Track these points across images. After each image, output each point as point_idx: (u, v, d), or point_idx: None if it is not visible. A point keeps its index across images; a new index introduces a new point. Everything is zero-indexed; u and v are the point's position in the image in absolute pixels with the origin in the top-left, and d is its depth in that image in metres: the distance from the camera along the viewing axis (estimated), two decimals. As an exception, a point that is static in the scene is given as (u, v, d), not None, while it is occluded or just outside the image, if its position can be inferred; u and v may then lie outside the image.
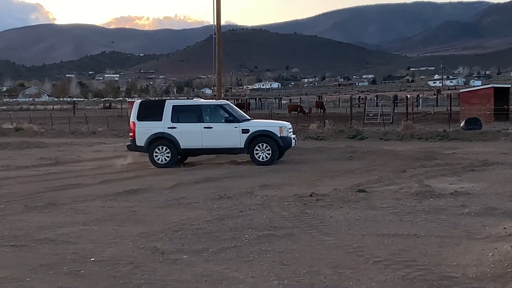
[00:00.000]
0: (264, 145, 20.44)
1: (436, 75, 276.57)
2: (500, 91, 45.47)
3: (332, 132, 31.68)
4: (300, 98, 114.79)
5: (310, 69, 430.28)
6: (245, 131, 20.60)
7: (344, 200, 12.51)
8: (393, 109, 49.10)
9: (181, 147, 20.82)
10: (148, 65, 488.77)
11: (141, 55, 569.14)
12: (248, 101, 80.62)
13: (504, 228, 9.50)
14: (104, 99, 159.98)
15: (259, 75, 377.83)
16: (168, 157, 20.73)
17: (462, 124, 32.61)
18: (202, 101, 23.03)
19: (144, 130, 20.92)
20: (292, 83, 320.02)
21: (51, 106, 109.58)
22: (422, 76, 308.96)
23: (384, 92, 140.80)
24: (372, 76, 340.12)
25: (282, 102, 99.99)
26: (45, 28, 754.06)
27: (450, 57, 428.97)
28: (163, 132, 20.80)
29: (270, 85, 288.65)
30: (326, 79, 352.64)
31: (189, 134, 20.75)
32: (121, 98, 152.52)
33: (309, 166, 19.64)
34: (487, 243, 8.64)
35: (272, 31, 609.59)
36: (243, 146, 20.55)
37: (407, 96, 60.42)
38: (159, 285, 7.23)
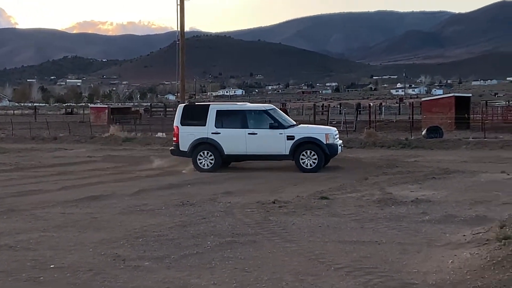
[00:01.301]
0: (310, 152, 19.95)
1: (399, 84, 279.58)
2: (461, 100, 46.08)
3: (296, 139, 31.66)
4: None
5: (274, 76, 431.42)
6: (290, 137, 20.11)
7: (306, 207, 12.55)
8: (356, 117, 49.32)
9: (225, 153, 20.51)
10: (111, 71, 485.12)
11: (104, 60, 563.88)
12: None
13: (464, 235, 9.61)
14: (66, 104, 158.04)
15: (223, 82, 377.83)
16: (211, 162, 20.52)
17: (423, 132, 32.90)
18: (247, 106, 22.18)
19: (187, 135, 20.72)
20: (256, 90, 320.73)
21: (12, 111, 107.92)
22: (385, 85, 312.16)
23: (348, 100, 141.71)
24: (336, 84, 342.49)
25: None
26: (6, 32, 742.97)
27: (412, 66, 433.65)
28: (207, 138, 20.55)
29: (234, 92, 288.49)
30: (290, 86, 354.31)
31: (233, 140, 20.43)
32: (83, 104, 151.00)
33: (272, 173, 19.64)
34: (447, 250, 8.74)
35: (236, 38, 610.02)
36: (288, 153, 20.09)
37: (369, 104, 60.99)
38: (120, 293, 7.16)
